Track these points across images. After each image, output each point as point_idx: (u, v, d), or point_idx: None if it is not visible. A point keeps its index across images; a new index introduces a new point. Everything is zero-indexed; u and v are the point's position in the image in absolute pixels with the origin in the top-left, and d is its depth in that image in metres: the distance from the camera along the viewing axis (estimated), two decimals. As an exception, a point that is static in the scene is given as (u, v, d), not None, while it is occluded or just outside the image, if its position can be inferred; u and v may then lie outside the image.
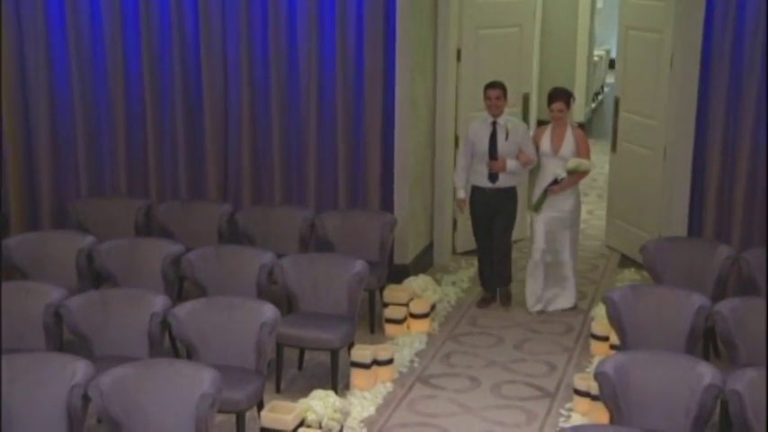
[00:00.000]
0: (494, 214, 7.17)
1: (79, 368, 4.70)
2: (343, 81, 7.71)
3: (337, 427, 5.28)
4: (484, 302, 7.44)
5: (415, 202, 7.95)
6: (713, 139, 7.38)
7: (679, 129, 7.55)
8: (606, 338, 6.43)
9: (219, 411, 4.80)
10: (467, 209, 7.37)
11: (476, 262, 7.64)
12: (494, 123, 7.07)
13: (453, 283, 7.83)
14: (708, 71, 7.33)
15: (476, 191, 7.23)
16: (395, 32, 7.56)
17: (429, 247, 8.35)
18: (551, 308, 7.29)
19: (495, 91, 7.03)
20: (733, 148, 7.32)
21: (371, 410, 5.76)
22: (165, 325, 5.57)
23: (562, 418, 5.71)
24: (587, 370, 6.19)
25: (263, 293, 6.32)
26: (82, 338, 5.61)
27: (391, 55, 7.62)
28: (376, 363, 6.08)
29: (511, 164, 7.04)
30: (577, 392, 5.77)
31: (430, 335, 6.87)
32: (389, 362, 6.17)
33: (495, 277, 7.38)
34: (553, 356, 6.61)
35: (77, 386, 4.60)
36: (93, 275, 6.79)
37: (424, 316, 6.95)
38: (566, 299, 7.34)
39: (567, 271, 7.26)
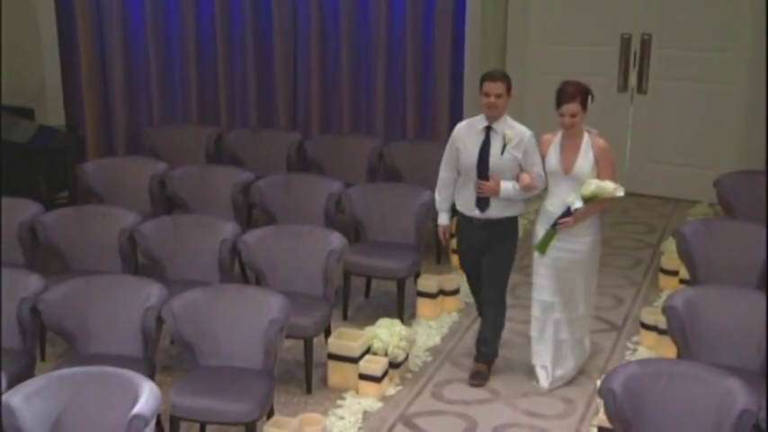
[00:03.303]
0: (482, 253, 5.20)
1: (153, 291, 4.83)
2: (413, 9, 7.61)
3: (403, 355, 5.35)
4: (478, 378, 5.33)
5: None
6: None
7: (756, 57, 7.30)
8: (676, 273, 6.35)
9: (288, 337, 4.89)
10: (452, 238, 5.52)
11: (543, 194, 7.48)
12: (487, 129, 5.04)
13: (521, 215, 7.76)
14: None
15: (462, 219, 5.23)
16: (466, -41, 7.43)
17: (497, 179, 8.30)
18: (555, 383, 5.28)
19: (496, 85, 4.95)
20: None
21: (437, 339, 5.82)
22: (234, 251, 5.67)
23: (628, 352, 5.69)
24: (655, 304, 6.14)
25: (330, 222, 6.38)
26: (155, 262, 5.76)
27: (462, -17, 7.51)
28: (442, 293, 6.12)
29: (506, 187, 5.00)
30: (644, 326, 5.74)
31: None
32: (455, 292, 6.20)
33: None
34: (620, 290, 6.56)
35: (151, 308, 4.74)
36: (166, 201, 6.93)
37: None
38: (565, 366, 5.28)
39: (574, 331, 5.25)
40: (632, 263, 7.01)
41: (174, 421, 4.47)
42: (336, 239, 5.53)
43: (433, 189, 6.43)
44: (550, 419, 4.97)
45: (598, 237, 5.13)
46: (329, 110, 8.10)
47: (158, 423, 4.57)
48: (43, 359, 5.46)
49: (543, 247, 5.06)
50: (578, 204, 4.92)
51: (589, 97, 4.94)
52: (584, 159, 4.96)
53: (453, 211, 5.29)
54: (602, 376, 4.27)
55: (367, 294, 6.42)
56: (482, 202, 5.09)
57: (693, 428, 3.92)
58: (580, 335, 5.27)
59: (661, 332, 5.45)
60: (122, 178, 6.92)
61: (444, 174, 5.25)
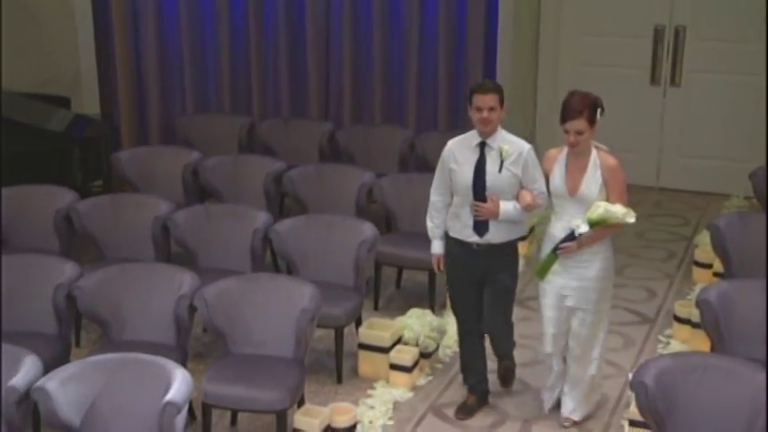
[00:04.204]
0: (482, 282, 4.71)
1: (186, 279, 4.87)
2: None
3: (433, 345, 5.35)
4: (465, 411, 4.90)
5: (515, 124, 7.81)
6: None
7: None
8: (710, 266, 6.28)
9: (319, 326, 4.91)
10: (446, 268, 4.83)
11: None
12: (482, 145, 4.59)
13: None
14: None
15: (455, 245, 4.72)
16: (498, -52, 7.40)
17: (529, 170, 8.28)
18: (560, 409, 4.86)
19: (488, 98, 4.50)
20: None
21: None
22: (266, 240, 5.70)
23: (661, 345, 5.65)
24: (689, 297, 6.08)
25: (361, 212, 6.39)
26: (188, 251, 5.81)
27: (495, -28, 7.47)
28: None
29: (506, 207, 4.54)
30: (677, 319, 5.69)
31: (527, 258, 6.84)
32: (523, 238, 6.05)
33: (484, 367, 4.94)
34: (654, 282, 6.52)
35: (184, 296, 4.77)
36: (198, 190, 6.98)
37: (522, 238, 6.87)
38: (567, 405, 4.80)
39: (578, 370, 4.72)
40: (666, 255, 6.95)
41: (206, 408, 4.51)
42: (368, 229, 5.54)
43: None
44: (581, 412, 4.95)
45: (609, 263, 4.61)
46: (361, 100, 8.10)
47: (190, 410, 4.62)
48: (78, 345, 5.53)
49: (542, 272, 4.61)
50: (584, 229, 4.41)
51: (598, 111, 4.41)
52: (592, 180, 4.46)
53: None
54: (634, 369, 4.24)
55: (398, 284, 6.42)
56: (480, 226, 4.59)
57: (726, 423, 3.88)
58: (589, 376, 4.73)
59: (694, 325, 5.41)
60: (156, 167, 6.98)
61: (435, 197, 4.76)
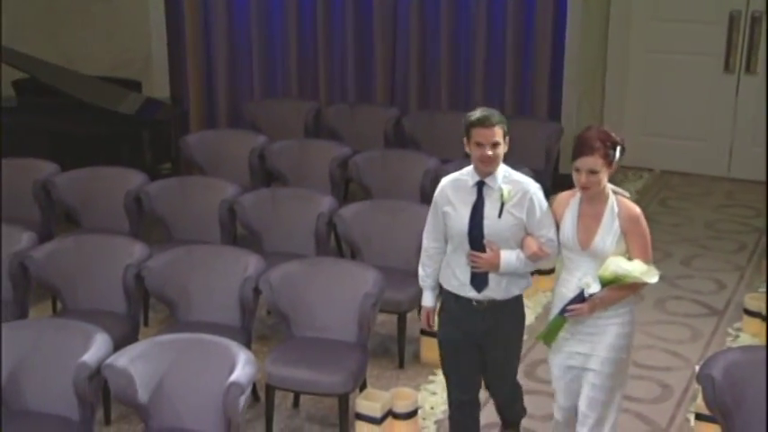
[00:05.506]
0: (479, 344, 4.01)
1: (251, 262, 4.92)
2: (515, -15, 7.53)
3: (496, 332, 5.31)
4: None
5: (582, 112, 7.74)
6: None
7: None
8: (783, 259, 6.14)
9: (381, 311, 4.93)
10: (439, 324, 4.12)
11: (645, 175, 7.27)
12: (479, 185, 3.90)
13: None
14: None
15: (451, 300, 4.01)
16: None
17: (596, 158, 8.16)
18: None
19: (491, 132, 3.80)
20: None
21: (531, 319, 5.75)
22: (331, 225, 5.73)
23: (729, 338, 5.54)
24: (760, 290, 5.95)
25: (426, 198, 6.37)
26: (253, 234, 5.87)
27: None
28: (538, 272, 6.05)
29: (509, 258, 3.85)
30: (748, 312, 5.57)
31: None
32: (551, 271, 6.13)
33: None
34: (723, 274, 6.38)
35: (249, 279, 4.83)
36: (265, 174, 7.05)
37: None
38: None
39: None
40: (736, 247, 6.80)
41: (269, 390, 4.57)
42: (432, 216, 5.53)
43: (529, 166, 6.29)
44: (646, 404, 4.88)
45: (629, 329, 3.84)
46: (427, 86, 8.08)
47: (254, 391, 4.68)
48: (146, 324, 5.65)
49: (548, 336, 3.87)
50: (594, 288, 3.70)
51: (617, 149, 3.72)
52: (608, 231, 3.73)
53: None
54: (701, 362, 4.17)
55: (461, 271, 6.38)
56: (478, 280, 3.89)
57: (797, 419, 3.80)
58: None
59: (765, 319, 5.29)
60: (223, 151, 7.07)
61: (429, 243, 4.06)
